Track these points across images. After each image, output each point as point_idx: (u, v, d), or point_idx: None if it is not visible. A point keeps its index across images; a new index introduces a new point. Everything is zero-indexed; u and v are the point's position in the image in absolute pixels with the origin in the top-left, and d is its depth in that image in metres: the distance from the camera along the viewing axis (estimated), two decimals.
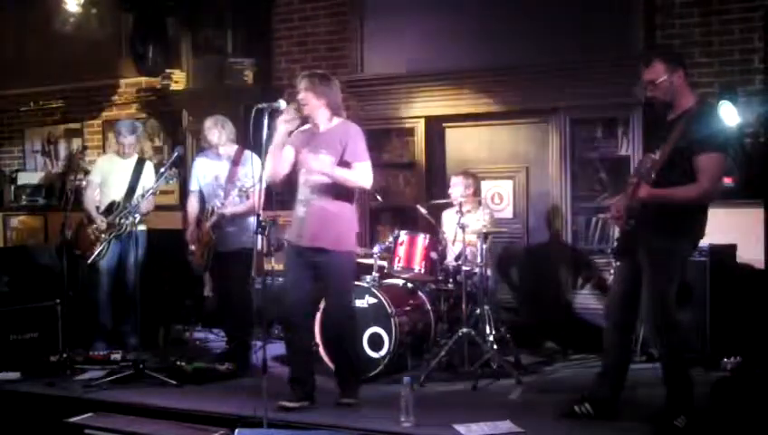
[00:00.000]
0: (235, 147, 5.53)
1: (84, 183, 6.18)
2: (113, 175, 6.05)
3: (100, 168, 6.16)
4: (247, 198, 5.26)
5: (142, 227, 5.94)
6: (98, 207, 5.99)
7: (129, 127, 6.14)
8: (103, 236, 5.86)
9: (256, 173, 4.43)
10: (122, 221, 5.74)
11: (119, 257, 5.94)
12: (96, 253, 5.85)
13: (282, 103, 4.48)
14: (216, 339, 6.49)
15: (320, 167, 4.37)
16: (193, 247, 5.50)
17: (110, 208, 5.95)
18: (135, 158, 6.14)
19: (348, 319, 4.64)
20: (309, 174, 4.45)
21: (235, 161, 5.47)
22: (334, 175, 4.37)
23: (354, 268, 4.79)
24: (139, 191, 5.89)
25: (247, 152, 5.37)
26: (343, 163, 4.43)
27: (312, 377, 4.55)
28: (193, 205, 5.64)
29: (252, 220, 5.28)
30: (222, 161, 5.53)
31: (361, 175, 4.44)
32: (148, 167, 6.13)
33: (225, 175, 5.48)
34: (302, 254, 4.47)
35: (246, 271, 5.41)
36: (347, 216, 4.50)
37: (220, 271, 5.58)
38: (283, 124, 4.40)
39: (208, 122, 5.52)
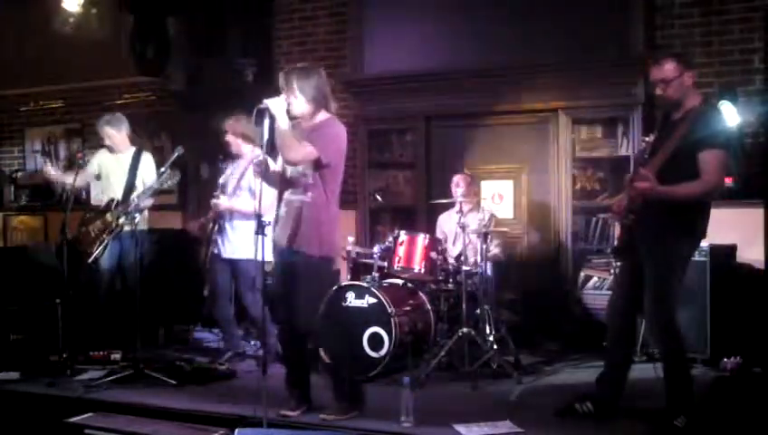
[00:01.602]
0: (255, 149, 5.41)
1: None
2: (112, 170, 5.99)
3: (98, 159, 6.08)
4: (254, 196, 5.25)
5: (142, 227, 5.93)
6: (98, 205, 5.97)
7: (107, 120, 6.01)
8: (103, 235, 5.85)
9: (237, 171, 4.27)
10: (120, 221, 5.73)
11: (119, 257, 5.92)
12: (96, 252, 5.84)
13: None
14: (216, 339, 6.49)
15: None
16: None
17: (109, 206, 5.92)
18: (132, 150, 6.05)
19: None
20: (288, 171, 4.23)
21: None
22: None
23: (327, 278, 4.46)
24: (138, 185, 5.85)
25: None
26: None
27: (308, 379, 4.43)
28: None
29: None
30: (239, 161, 5.60)
31: (301, 147, 4.02)
32: (147, 158, 6.01)
33: (238, 173, 5.53)
34: (282, 254, 4.24)
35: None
36: (326, 217, 4.14)
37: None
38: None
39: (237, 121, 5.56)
